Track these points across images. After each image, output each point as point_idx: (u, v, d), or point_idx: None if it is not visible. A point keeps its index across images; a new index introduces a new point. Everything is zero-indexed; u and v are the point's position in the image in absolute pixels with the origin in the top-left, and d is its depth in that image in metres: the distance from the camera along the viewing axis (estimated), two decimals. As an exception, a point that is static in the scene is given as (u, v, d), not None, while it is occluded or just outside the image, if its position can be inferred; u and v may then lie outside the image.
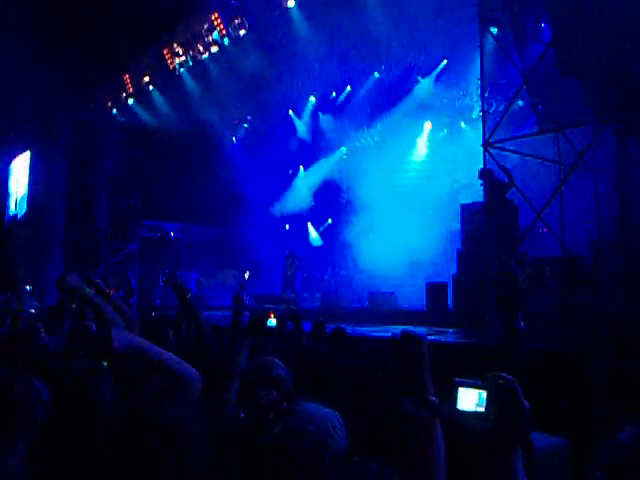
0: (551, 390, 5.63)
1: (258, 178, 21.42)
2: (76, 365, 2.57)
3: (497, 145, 9.94)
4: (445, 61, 16.52)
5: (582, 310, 8.08)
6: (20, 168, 21.50)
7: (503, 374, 1.85)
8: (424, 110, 17.47)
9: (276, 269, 18.18)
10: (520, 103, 12.24)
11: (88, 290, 2.89)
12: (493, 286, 8.41)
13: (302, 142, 21.18)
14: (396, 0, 13.61)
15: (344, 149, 20.25)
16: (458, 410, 1.98)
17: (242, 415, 2.85)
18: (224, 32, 15.44)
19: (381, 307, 13.25)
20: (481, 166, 9.77)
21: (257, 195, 20.98)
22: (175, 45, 16.94)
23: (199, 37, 16.16)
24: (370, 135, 19.52)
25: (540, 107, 10.88)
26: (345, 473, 1.62)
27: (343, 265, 17.68)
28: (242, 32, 15.19)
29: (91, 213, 20.44)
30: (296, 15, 14.57)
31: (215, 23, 15.52)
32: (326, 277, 17.81)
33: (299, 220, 21.67)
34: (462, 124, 16.74)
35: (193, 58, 16.72)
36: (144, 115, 19.94)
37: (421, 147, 18.19)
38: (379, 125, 19.06)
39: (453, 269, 11.56)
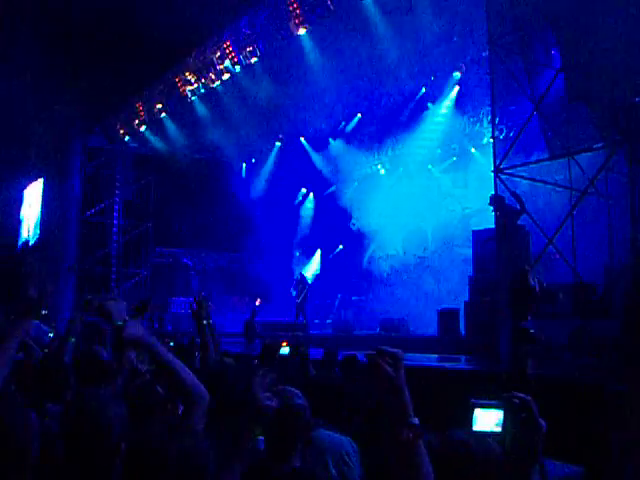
0: (566, 418, 5.54)
1: (268, 204, 21.52)
2: (88, 393, 2.55)
3: (508, 171, 9.92)
4: (457, 87, 16.62)
5: (596, 336, 7.99)
6: (33, 195, 21.73)
7: (519, 394, 1.82)
8: (434, 136, 17.56)
9: (286, 295, 18.14)
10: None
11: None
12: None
13: (313, 168, 21.28)
14: (406, 27, 13.76)
15: (355, 175, 20.29)
16: (475, 432, 1.95)
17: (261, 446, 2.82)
18: (236, 60, 15.62)
19: (392, 333, 13.17)
20: (492, 192, 9.76)
21: (267, 221, 21.03)
22: (187, 73, 17.15)
23: (211, 65, 16.35)
24: (381, 162, 19.59)
25: (550, 133, 10.87)
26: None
27: (354, 291, 17.64)
28: (254, 60, 15.37)
29: (103, 239, 20.57)
30: (307, 43, 14.74)
31: (227, 51, 15.71)
32: (337, 303, 17.75)
33: (309, 246, 21.69)
34: (472, 150, 16.76)
35: (205, 86, 16.91)
36: (156, 142, 20.16)
37: (432, 172, 18.19)
38: (389, 152, 19.15)
39: (465, 295, 11.48)
